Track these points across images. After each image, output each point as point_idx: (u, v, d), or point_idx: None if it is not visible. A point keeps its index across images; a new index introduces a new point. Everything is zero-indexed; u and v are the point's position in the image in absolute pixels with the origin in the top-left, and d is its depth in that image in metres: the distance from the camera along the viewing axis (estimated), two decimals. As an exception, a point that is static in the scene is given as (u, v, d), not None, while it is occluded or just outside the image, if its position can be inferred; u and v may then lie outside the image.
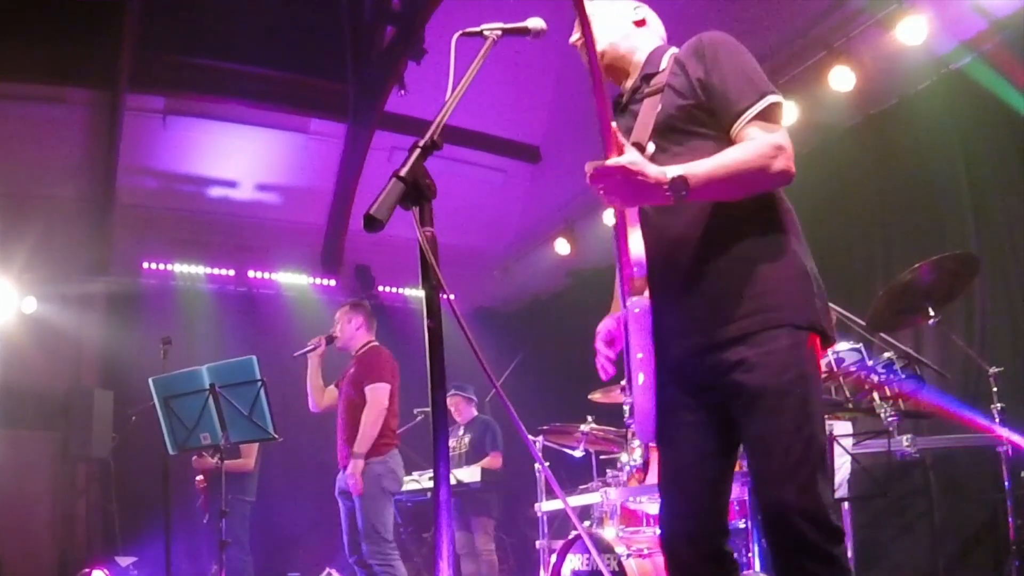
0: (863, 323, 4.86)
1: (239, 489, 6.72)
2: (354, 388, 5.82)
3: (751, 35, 5.16)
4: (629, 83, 2.62)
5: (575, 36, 2.58)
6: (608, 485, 5.42)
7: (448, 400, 7.65)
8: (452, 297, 1.84)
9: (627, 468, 5.34)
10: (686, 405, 2.41)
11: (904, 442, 4.53)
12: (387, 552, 5.51)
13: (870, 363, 4.65)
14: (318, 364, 6.05)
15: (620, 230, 2.39)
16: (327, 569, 7.05)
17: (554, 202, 10.15)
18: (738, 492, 4.42)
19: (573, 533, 5.09)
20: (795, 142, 2.31)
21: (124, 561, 7.66)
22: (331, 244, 10.65)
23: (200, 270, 9.94)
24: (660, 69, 2.51)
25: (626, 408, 2.51)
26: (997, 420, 4.63)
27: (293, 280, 10.39)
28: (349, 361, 6.09)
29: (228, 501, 6.56)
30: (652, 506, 5.09)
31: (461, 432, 7.97)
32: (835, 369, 4.55)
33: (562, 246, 9.67)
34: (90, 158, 9.29)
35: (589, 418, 5.73)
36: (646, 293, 2.32)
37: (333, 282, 10.57)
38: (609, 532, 4.91)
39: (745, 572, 4.18)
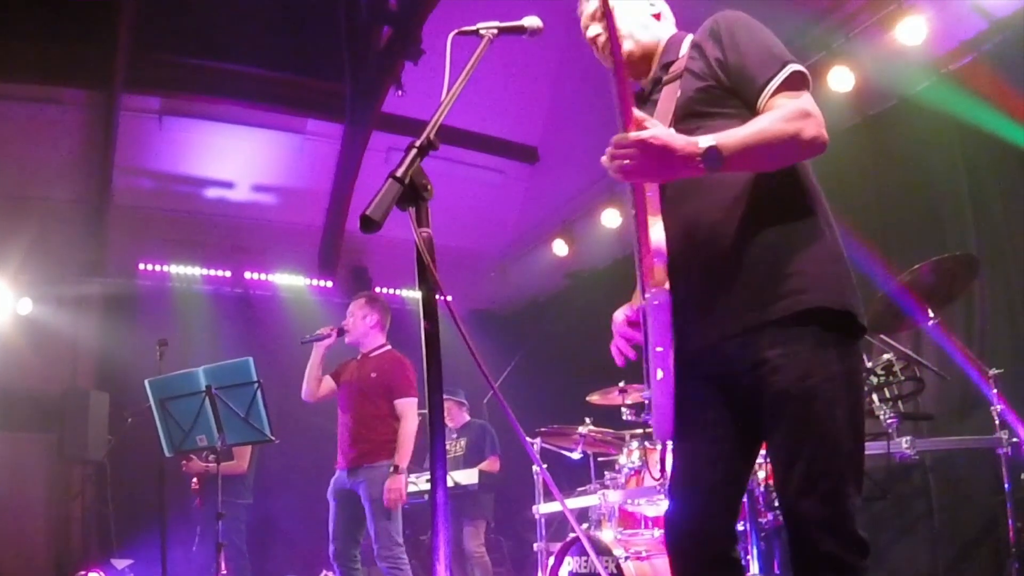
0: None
1: (233, 492, 6.70)
2: (378, 397, 5.75)
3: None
4: (650, 75, 2.56)
5: (593, 31, 2.56)
6: (606, 487, 5.43)
7: (442, 405, 7.64)
8: (449, 299, 1.83)
9: (625, 470, 5.34)
10: (705, 401, 2.32)
11: (903, 444, 4.51)
12: (399, 556, 5.50)
13: (869, 365, 4.63)
14: (323, 355, 5.88)
15: (640, 218, 2.32)
16: (324, 572, 7.03)
17: (552, 203, 10.14)
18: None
19: (571, 535, 5.08)
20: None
21: (120, 564, 7.64)
22: (328, 245, 10.63)
23: (196, 271, 9.91)
24: (679, 56, 2.46)
25: (645, 403, 2.41)
26: (997, 422, 4.61)
27: (290, 281, 10.36)
28: (357, 358, 5.98)
29: (223, 503, 6.54)
30: (650, 508, 5.09)
31: (455, 437, 7.96)
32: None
33: (560, 247, 9.66)
34: (86, 159, 9.28)
35: (587, 420, 5.73)
36: (666, 285, 2.25)
37: (330, 283, 10.55)
38: (607, 534, 4.92)
39: None
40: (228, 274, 10.13)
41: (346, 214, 10.26)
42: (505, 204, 11.25)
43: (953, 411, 5.73)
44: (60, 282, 8.96)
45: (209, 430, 5.24)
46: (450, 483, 7.19)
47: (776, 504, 4.42)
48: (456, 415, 8.02)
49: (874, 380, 4.58)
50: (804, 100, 2.20)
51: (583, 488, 6.01)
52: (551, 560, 5.02)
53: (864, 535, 2.11)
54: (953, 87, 6.14)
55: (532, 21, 2.23)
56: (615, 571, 4.52)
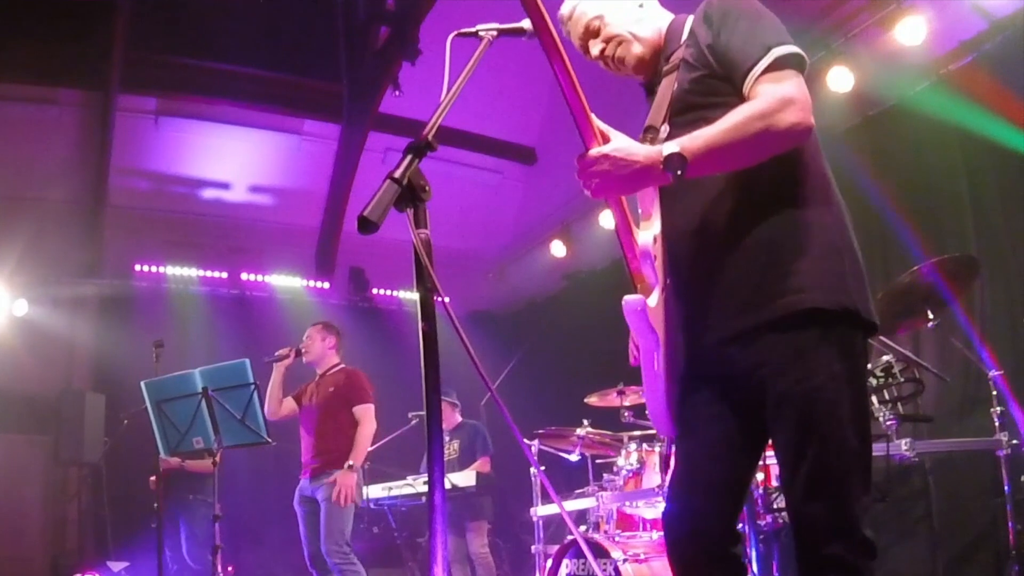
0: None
1: (200, 490, 6.66)
2: (338, 409, 6.09)
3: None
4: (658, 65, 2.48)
5: (596, 49, 2.49)
6: (604, 489, 5.41)
7: (433, 406, 7.63)
8: (447, 300, 1.81)
9: (623, 472, 5.32)
10: (707, 400, 2.28)
11: (903, 446, 4.51)
12: (347, 552, 5.80)
13: (869, 366, 4.61)
14: (283, 374, 6.21)
15: (620, 223, 2.33)
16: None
17: (550, 204, 10.12)
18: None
19: (569, 538, 5.06)
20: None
21: (116, 566, 7.62)
22: (325, 246, 10.62)
23: (193, 272, 9.89)
24: (680, 43, 2.38)
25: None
26: (996, 424, 4.60)
27: (286, 283, 10.34)
28: (316, 380, 6.30)
29: (190, 502, 6.52)
30: (649, 511, 5.08)
31: (448, 439, 7.93)
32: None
33: (558, 248, 9.64)
34: (82, 159, 9.26)
35: (585, 422, 5.71)
36: (654, 294, 2.25)
37: (327, 284, 10.53)
38: (605, 537, 4.88)
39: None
40: (224, 275, 10.10)
41: (343, 215, 10.25)
42: (503, 205, 11.24)
43: (953, 413, 5.73)
44: (56, 283, 8.95)
45: (206, 432, 5.22)
46: (448, 485, 7.17)
47: (774, 506, 4.42)
48: (448, 416, 7.98)
49: (873, 382, 4.56)
50: (785, 86, 2.11)
51: (581, 490, 5.99)
52: (549, 563, 5.00)
53: (871, 536, 2.08)
54: (953, 88, 6.13)
55: (531, 23, 2.21)
56: (613, 574, 4.50)
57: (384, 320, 10.67)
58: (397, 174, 1.78)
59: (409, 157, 1.83)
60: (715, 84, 2.23)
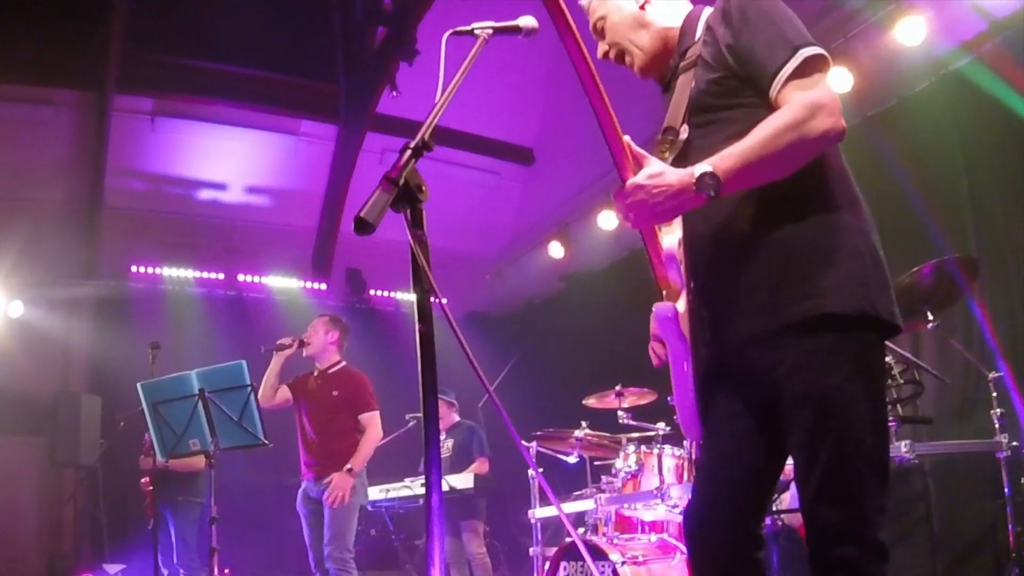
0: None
1: (189, 490, 6.61)
2: (342, 413, 6.04)
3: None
4: (672, 61, 2.44)
5: (601, 51, 2.48)
6: (602, 491, 5.38)
7: (428, 405, 7.61)
8: (444, 301, 1.81)
9: (622, 474, 5.30)
10: (727, 396, 2.27)
11: (903, 448, 4.49)
12: (347, 560, 5.76)
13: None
14: (282, 364, 6.17)
15: (645, 233, 2.34)
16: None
17: (548, 205, 10.12)
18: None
19: (567, 540, 5.04)
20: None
21: (112, 569, 7.61)
22: (322, 247, 10.61)
23: (189, 273, 9.87)
24: (696, 39, 2.33)
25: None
26: (996, 426, 4.58)
27: (283, 284, 10.32)
28: (314, 374, 6.24)
29: (178, 503, 6.48)
30: (647, 513, 5.06)
31: (443, 437, 7.91)
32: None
33: (556, 249, 9.61)
34: (77, 160, 9.26)
35: (583, 423, 5.69)
36: (681, 300, 2.25)
37: (324, 286, 10.52)
38: (603, 539, 4.87)
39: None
40: (221, 276, 10.08)
41: (340, 216, 10.24)
42: (501, 206, 11.23)
43: (952, 415, 5.71)
44: (51, 284, 8.93)
45: (202, 434, 5.20)
46: (445, 487, 7.14)
47: (773, 508, 4.41)
48: (445, 415, 7.96)
49: (872, 383, 4.54)
50: (814, 92, 2.05)
51: (579, 492, 5.98)
52: (547, 565, 4.98)
53: (883, 539, 2.06)
54: (953, 88, 6.11)
55: (527, 21, 2.18)
56: (611, 577, 4.49)
57: (381, 321, 10.66)
58: (394, 175, 1.78)
59: (406, 157, 1.82)
60: (735, 86, 2.19)
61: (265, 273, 10.27)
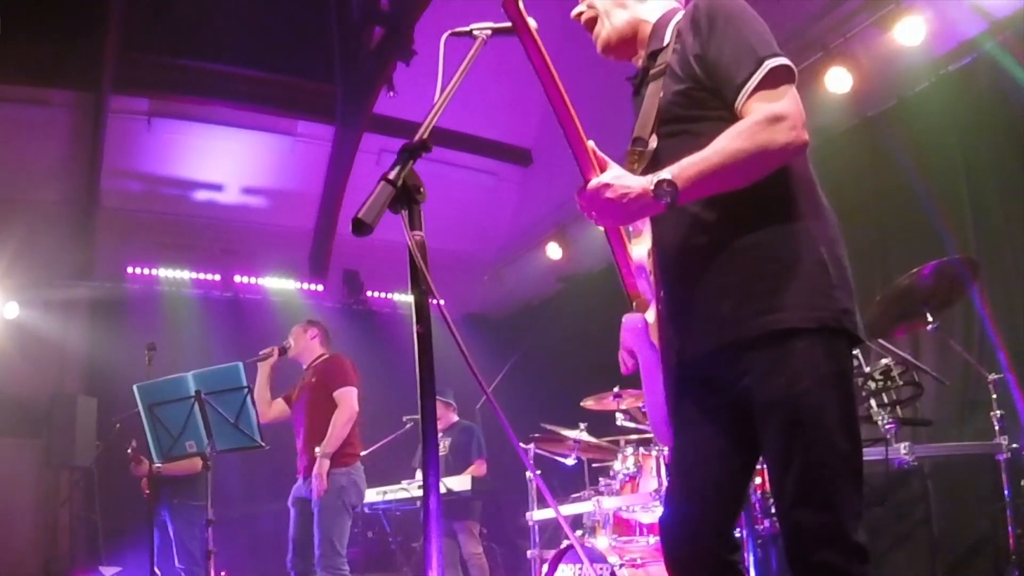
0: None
1: (188, 494, 6.57)
2: (320, 394, 5.99)
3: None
4: (640, 62, 2.45)
5: (577, 10, 2.50)
6: (601, 494, 5.38)
7: (427, 405, 7.60)
8: (442, 302, 1.80)
9: (620, 476, 5.30)
10: (697, 399, 2.29)
11: (902, 450, 4.50)
12: (339, 565, 5.66)
13: (867, 370, 4.60)
14: (268, 374, 6.17)
15: (614, 243, 2.37)
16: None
17: (546, 206, 10.08)
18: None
19: (565, 543, 5.04)
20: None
21: (108, 571, 7.60)
22: (319, 248, 10.57)
23: (185, 275, 9.83)
24: (664, 44, 2.34)
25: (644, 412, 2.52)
26: (996, 428, 4.57)
27: (280, 285, 10.29)
28: (303, 374, 6.24)
29: (175, 507, 6.45)
30: (645, 515, 5.05)
31: (440, 437, 7.88)
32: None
33: (554, 250, 9.60)
34: (73, 161, 9.22)
35: (581, 425, 5.68)
36: (651, 309, 2.28)
37: (321, 287, 10.49)
38: (602, 542, 4.89)
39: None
40: (217, 277, 10.05)
41: (337, 217, 10.21)
42: (498, 207, 11.21)
43: (952, 416, 5.70)
44: (47, 286, 8.90)
45: (199, 436, 5.20)
46: (442, 489, 7.13)
47: (772, 511, 4.39)
48: (443, 415, 7.95)
49: (872, 385, 4.55)
50: (779, 103, 2.06)
51: (577, 494, 5.95)
52: (545, 568, 4.98)
53: (863, 541, 2.06)
54: (952, 88, 6.10)
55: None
56: (610, 579, 4.47)
57: (378, 323, 10.64)
58: (391, 175, 1.78)
59: (404, 158, 1.82)
60: (702, 97, 2.20)
61: (262, 274, 10.24)
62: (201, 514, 6.71)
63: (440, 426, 7.98)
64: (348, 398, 5.92)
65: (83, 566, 8.03)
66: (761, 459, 2.32)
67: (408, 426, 7.41)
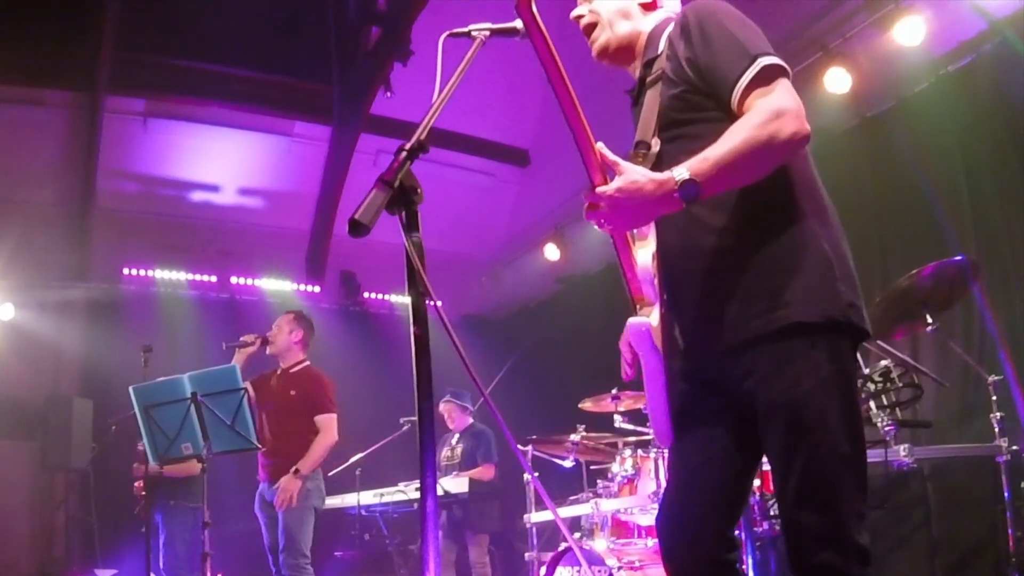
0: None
1: (184, 495, 6.54)
2: (298, 414, 6.00)
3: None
4: (636, 72, 2.48)
5: (577, 12, 2.51)
6: (599, 496, 5.36)
7: (442, 407, 7.64)
8: (439, 304, 1.82)
9: (618, 478, 5.28)
10: (700, 401, 2.30)
11: (901, 452, 4.50)
12: (303, 566, 5.73)
13: (866, 371, 4.59)
14: (244, 362, 6.07)
15: (620, 247, 2.38)
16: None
17: (544, 207, 10.08)
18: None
19: (563, 545, 5.03)
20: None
21: (104, 574, 7.62)
22: (315, 249, 10.55)
23: (181, 276, 9.80)
24: (659, 52, 2.36)
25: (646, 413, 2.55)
26: (996, 429, 4.57)
27: (277, 286, 10.25)
28: (277, 376, 6.22)
29: (170, 508, 6.42)
30: (643, 518, 5.05)
31: (455, 441, 7.87)
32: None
33: (552, 252, 9.58)
34: (69, 161, 9.20)
35: (579, 427, 5.67)
36: (654, 313, 2.28)
37: (317, 288, 10.46)
38: (600, 544, 4.91)
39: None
40: (214, 279, 10.01)
41: (334, 218, 10.19)
42: (496, 208, 11.20)
43: (952, 418, 5.69)
44: (43, 287, 8.87)
45: (195, 438, 5.18)
46: (440, 491, 7.10)
47: (771, 513, 4.40)
48: (458, 418, 7.93)
49: (871, 387, 4.53)
50: (776, 97, 2.08)
51: (575, 497, 5.93)
52: (543, 570, 4.96)
53: (864, 543, 2.06)
54: (952, 88, 6.09)
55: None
56: (608, 582, 4.46)
57: (375, 324, 10.61)
58: (389, 176, 1.78)
59: (401, 159, 1.82)
60: (696, 100, 2.22)
61: (258, 275, 10.20)
62: (196, 516, 6.71)
63: (455, 428, 7.97)
64: (331, 427, 5.99)
65: (79, 568, 8.02)
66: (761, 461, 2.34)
67: (405, 428, 7.39)
